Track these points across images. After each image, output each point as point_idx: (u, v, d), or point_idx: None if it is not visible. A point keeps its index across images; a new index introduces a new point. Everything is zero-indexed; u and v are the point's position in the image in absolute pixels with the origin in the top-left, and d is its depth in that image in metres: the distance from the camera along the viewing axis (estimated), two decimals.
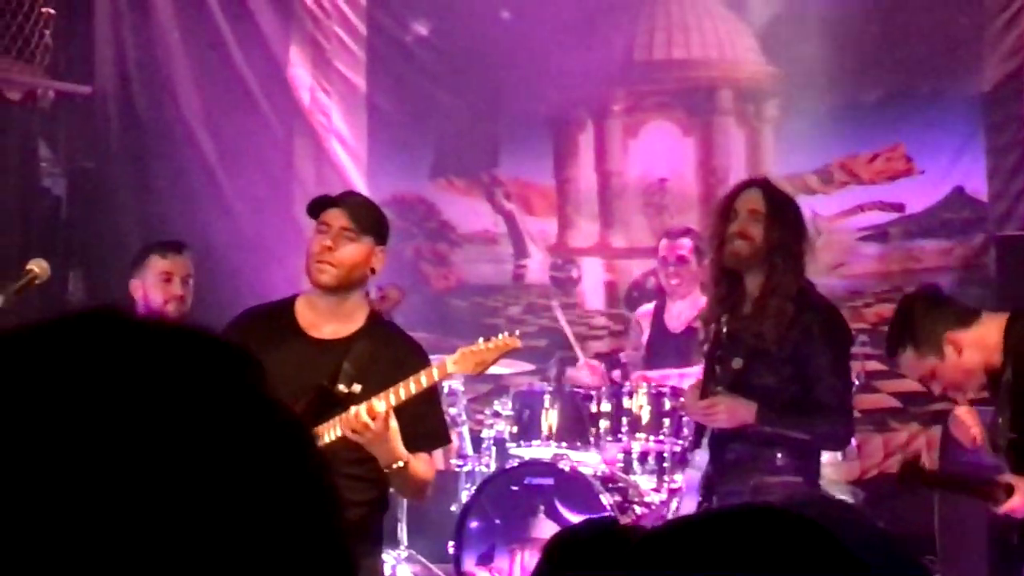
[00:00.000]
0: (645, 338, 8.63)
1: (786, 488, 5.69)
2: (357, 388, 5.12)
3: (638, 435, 8.18)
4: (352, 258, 5.27)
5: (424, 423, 5.23)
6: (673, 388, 7.87)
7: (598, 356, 9.57)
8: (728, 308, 5.95)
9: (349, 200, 5.51)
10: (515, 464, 8.25)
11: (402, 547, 8.67)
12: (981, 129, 9.89)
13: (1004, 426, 5.56)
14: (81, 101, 10.43)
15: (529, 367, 8.94)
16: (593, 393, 8.32)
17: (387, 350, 5.25)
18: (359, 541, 4.97)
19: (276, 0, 10.74)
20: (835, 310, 6.18)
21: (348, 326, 5.32)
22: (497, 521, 8.02)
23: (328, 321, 5.33)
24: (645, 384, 8.11)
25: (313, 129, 10.78)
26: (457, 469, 8.62)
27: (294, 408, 1.15)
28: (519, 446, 8.33)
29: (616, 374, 8.62)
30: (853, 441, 6.69)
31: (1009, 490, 5.54)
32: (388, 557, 7.94)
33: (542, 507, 7.93)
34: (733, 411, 5.84)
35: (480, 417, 8.93)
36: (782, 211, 5.96)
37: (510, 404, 8.49)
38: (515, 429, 8.36)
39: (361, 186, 10.05)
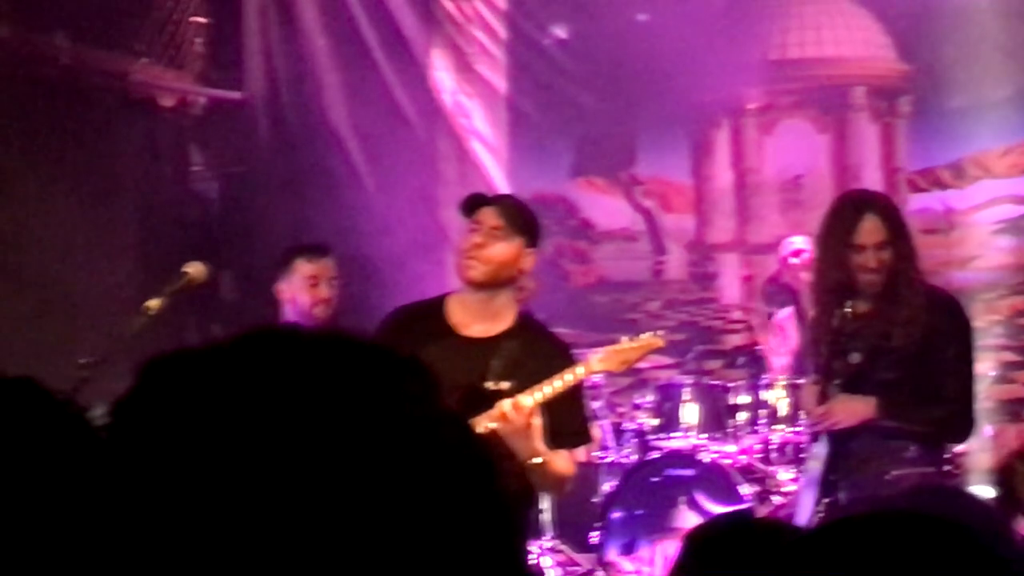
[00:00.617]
0: (793, 344, 8.60)
1: (918, 480, 5.65)
2: (505, 386, 5.16)
3: (776, 427, 8.31)
4: (501, 256, 5.29)
5: (568, 421, 5.25)
6: None
7: (736, 349, 9.70)
8: (840, 305, 5.84)
9: (503, 200, 5.63)
10: (656, 456, 8.39)
11: (546, 537, 8.69)
12: None
13: None
14: (231, 107, 10.67)
15: (669, 361, 9.10)
16: (731, 386, 8.47)
17: (535, 349, 5.28)
18: None
19: (418, 6, 10.91)
20: (958, 303, 6.15)
21: (497, 324, 5.34)
22: (639, 512, 8.15)
23: (477, 320, 5.35)
24: (782, 376, 8.23)
25: (455, 131, 10.95)
26: (599, 461, 8.68)
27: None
28: (660, 438, 8.48)
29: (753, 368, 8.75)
30: (989, 430, 6.67)
31: None
32: (532, 547, 8.00)
33: (683, 498, 8.05)
34: (850, 411, 5.81)
35: (621, 410, 9.05)
36: (901, 228, 5.91)
37: (651, 397, 8.64)
38: (656, 421, 8.51)
39: (502, 186, 10.23)
